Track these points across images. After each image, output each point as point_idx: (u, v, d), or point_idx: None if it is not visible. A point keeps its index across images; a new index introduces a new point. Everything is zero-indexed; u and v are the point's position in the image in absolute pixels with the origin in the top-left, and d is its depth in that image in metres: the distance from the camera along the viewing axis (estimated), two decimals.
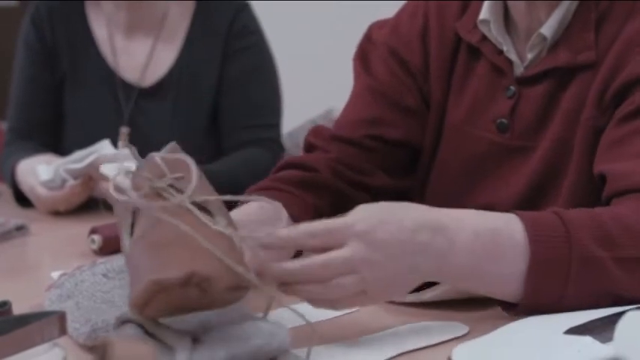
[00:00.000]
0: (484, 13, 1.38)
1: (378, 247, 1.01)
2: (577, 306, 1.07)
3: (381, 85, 1.47)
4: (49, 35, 2.10)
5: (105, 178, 1.78)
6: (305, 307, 1.01)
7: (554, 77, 1.33)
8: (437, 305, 1.15)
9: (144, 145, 1.95)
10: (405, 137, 1.46)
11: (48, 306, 1.13)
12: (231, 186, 1.32)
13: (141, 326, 0.92)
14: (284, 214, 1.28)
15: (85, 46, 2.11)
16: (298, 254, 1.18)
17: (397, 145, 1.46)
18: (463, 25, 1.42)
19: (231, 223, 1.01)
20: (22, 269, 1.52)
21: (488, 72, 1.40)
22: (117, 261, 1.21)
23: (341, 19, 3.21)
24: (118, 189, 1.03)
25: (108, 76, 2.10)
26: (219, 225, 0.98)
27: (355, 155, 1.45)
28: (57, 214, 1.84)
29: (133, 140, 2.05)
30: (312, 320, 0.98)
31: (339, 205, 1.37)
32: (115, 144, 1.94)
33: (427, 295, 1.15)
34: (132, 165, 1.32)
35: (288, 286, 1.02)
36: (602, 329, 0.99)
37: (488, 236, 1.06)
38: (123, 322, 0.94)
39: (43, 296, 1.17)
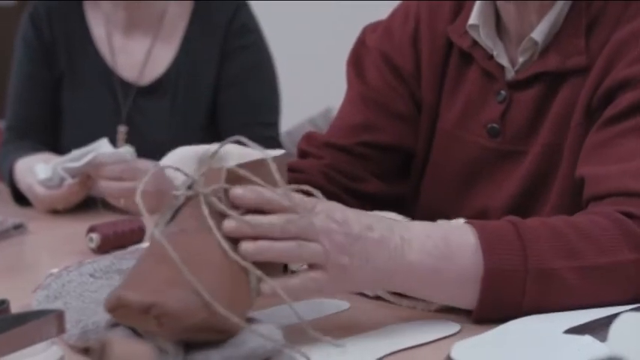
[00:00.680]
0: (473, 18, 1.37)
1: (339, 222, 1.01)
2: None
3: (374, 92, 1.47)
4: (47, 33, 2.10)
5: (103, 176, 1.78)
6: (300, 307, 1.00)
7: (545, 82, 1.32)
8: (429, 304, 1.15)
9: (142, 144, 1.97)
10: (397, 142, 1.45)
11: (36, 307, 1.12)
12: None
13: (132, 329, 0.92)
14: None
15: (83, 45, 2.10)
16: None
17: (390, 150, 1.46)
18: (455, 29, 1.41)
19: None
20: (20, 268, 1.51)
21: (479, 77, 1.39)
22: (104, 261, 1.20)
23: (340, 18, 3.21)
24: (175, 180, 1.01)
25: (106, 74, 2.10)
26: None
27: (348, 162, 1.45)
28: (55, 212, 1.84)
29: (131, 139, 2.05)
30: (307, 319, 0.98)
31: None
32: (113, 142, 1.94)
33: (420, 305, 1.15)
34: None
35: (257, 243, 0.97)
36: (601, 329, 0.98)
37: (440, 238, 1.07)
38: (114, 324, 0.94)
39: (31, 298, 1.16)
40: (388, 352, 1.01)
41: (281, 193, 0.99)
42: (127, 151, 1.86)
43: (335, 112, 1.56)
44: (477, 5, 1.37)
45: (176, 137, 2.04)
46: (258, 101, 2.11)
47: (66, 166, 1.82)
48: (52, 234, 1.71)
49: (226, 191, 0.98)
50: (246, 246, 0.96)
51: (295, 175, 1.42)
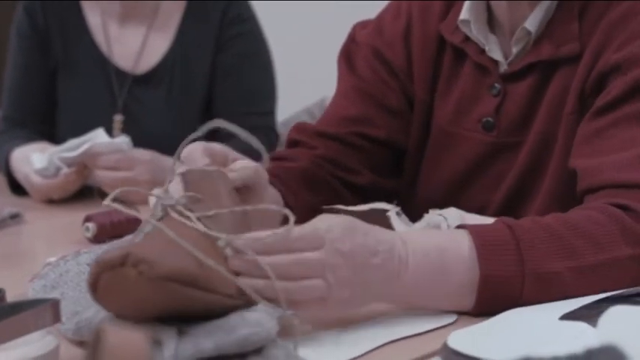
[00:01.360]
0: (464, 13, 1.36)
1: (346, 256, 0.99)
2: None
3: (366, 85, 1.46)
4: (41, 23, 2.09)
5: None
6: None
7: (538, 71, 1.32)
8: None
9: (138, 133, 1.97)
10: (388, 137, 1.45)
11: (32, 297, 1.12)
12: None
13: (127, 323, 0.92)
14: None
15: (79, 34, 2.10)
16: None
17: (381, 144, 1.45)
18: (446, 26, 1.41)
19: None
20: (16, 257, 1.51)
21: (472, 71, 1.38)
22: (100, 250, 1.20)
23: (336, 8, 3.20)
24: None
25: (102, 63, 2.09)
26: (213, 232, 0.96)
27: (340, 152, 1.44)
28: (51, 202, 1.84)
29: (126, 128, 2.05)
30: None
31: (328, 201, 1.36)
32: (109, 132, 1.94)
33: None
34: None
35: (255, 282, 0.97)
36: (594, 315, 0.98)
37: (435, 254, 1.05)
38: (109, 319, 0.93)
39: (27, 287, 1.15)
40: (385, 341, 1.01)
41: (286, 230, 0.97)
42: (123, 140, 1.86)
43: None
44: (466, 1, 1.37)
45: (172, 126, 2.04)
46: (253, 89, 2.11)
47: (62, 155, 1.82)
48: (49, 223, 1.71)
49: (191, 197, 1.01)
50: (246, 282, 0.95)
51: (287, 164, 1.41)
